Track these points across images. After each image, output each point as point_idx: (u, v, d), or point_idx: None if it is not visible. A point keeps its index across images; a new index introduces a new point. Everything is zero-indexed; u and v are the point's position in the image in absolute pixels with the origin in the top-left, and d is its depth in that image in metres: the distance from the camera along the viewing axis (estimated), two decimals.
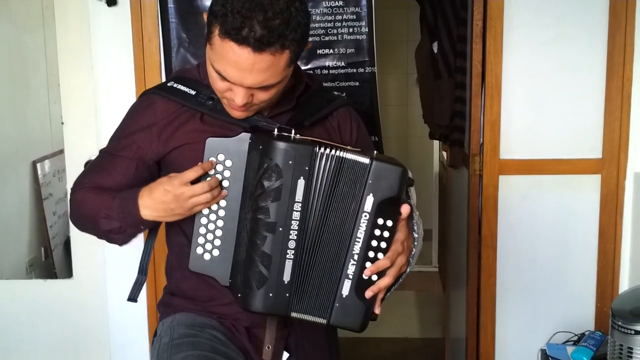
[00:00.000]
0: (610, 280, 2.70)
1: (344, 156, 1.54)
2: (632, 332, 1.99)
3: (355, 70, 2.65)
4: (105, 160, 1.71)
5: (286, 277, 1.56)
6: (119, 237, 1.64)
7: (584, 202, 2.69)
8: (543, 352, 2.62)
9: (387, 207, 1.55)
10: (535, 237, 2.71)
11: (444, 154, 4.29)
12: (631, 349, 2.00)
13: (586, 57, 2.61)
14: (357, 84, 2.65)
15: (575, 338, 2.63)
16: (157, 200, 1.55)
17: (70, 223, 1.77)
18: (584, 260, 2.71)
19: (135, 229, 1.62)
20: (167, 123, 1.66)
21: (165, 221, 1.61)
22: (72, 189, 1.71)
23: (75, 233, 2.76)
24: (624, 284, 2.69)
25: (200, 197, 1.54)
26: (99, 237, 1.67)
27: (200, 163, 1.56)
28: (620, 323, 2.02)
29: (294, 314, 1.59)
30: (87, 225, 1.68)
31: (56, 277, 3.18)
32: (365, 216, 1.55)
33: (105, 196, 1.62)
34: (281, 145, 1.52)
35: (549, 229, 2.70)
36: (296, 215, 1.54)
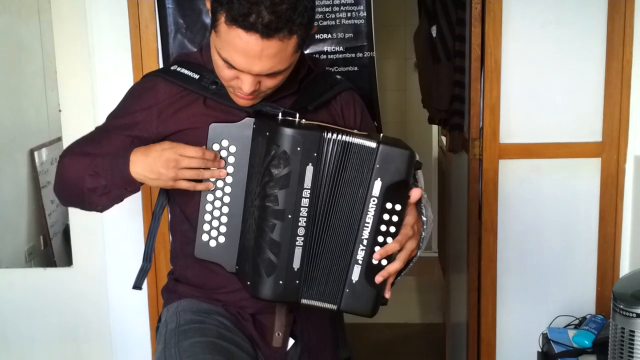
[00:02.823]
0: (610, 264, 2.70)
1: (351, 140, 1.53)
2: (634, 315, 1.99)
3: (353, 55, 2.63)
4: (99, 134, 1.69)
5: (296, 264, 1.56)
6: (102, 199, 1.61)
7: (584, 185, 2.68)
8: (544, 336, 2.62)
9: (395, 191, 1.54)
10: (536, 221, 2.70)
11: (443, 138, 4.28)
12: (633, 332, 2.00)
13: (586, 40, 2.60)
14: (356, 68, 2.63)
15: (577, 322, 2.63)
16: (149, 157, 1.54)
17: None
18: (584, 244, 2.70)
19: (120, 191, 1.59)
20: (168, 104, 1.65)
21: (149, 184, 1.58)
22: (60, 155, 1.68)
23: (74, 221, 2.76)
24: (625, 268, 2.69)
25: (189, 171, 1.53)
26: (82, 202, 1.65)
27: (204, 147, 1.55)
28: (622, 306, 2.01)
29: (304, 301, 1.59)
30: (71, 187, 1.64)
31: (55, 266, 3.16)
32: (374, 201, 1.54)
33: (95, 157, 1.61)
34: (288, 131, 1.51)
35: (549, 213, 2.70)
36: (305, 202, 1.53)
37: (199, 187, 1.57)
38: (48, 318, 2.82)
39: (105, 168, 1.58)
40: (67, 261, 2.86)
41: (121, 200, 1.64)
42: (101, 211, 1.66)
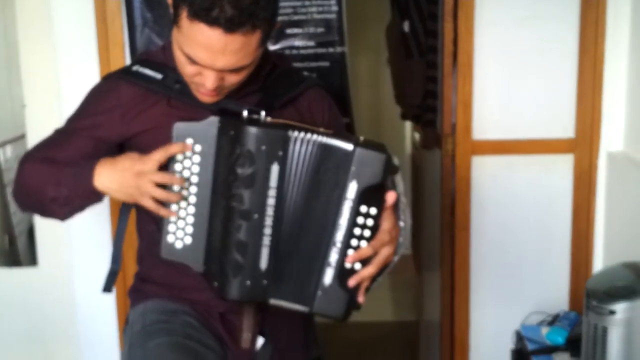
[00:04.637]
0: (584, 261, 2.69)
1: (326, 141, 1.51)
2: (607, 312, 1.98)
3: (325, 50, 2.59)
4: (60, 137, 1.65)
5: (263, 265, 1.53)
6: (63, 209, 1.57)
7: (558, 182, 2.67)
8: (518, 333, 2.60)
9: (371, 195, 1.52)
10: (509, 218, 2.69)
11: (417, 134, 4.27)
12: (605, 328, 1.99)
13: (559, 36, 2.59)
14: (328, 64, 2.60)
15: (550, 319, 2.62)
16: (117, 171, 1.50)
17: None
18: (557, 240, 2.69)
19: (82, 201, 1.56)
20: (131, 106, 1.62)
21: (114, 197, 1.54)
22: (20, 160, 1.63)
23: (39, 219, 2.69)
24: (598, 264, 2.69)
25: (157, 190, 1.49)
26: (43, 211, 1.61)
27: (169, 145, 1.51)
28: (595, 303, 2.01)
29: (272, 301, 1.57)
30: (32, 195, 1.60)
31: (21, 265, 3.09)
32: (348, 203, 1.52)
33: (58, 166, 1.56)
34: (252, 130, 1.49)
35: (522, 209, 2.68)
36: (271, 201, 1.51)
37: (162, 212, 1.53)
38: (13, 319, 2.76)
39: (67, 178, 1.54)
40: (32, 261, 2.80)
41: (83, 210, 1.60)
42: (62, 220, 1.61)
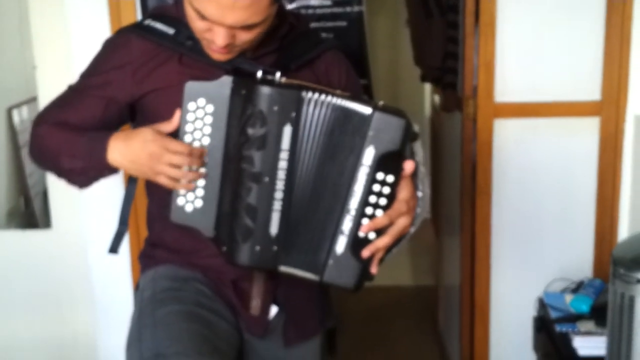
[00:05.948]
0: (608, 227, 2.63)
1: (342, 104, 1.47)
2: (635, 280, 1.92)
3: (342, 10, 2.53)
4: (72, 96, 1.62)
5: (273, 230, 1.50)
6: (80, 178, 1.57)
7: (582, 146, 2.61)
8: (540, 300, 2.56)
9: (388, 162, 1.47)
10: (532, 183, 2.63)
11: (436, 97, 4.20)
12: (633, 297, 1.94)
13: None
14: (345, 24, 2.54)
15: (574, 286, 2.57)
16: (131, 148, 1.48)
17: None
18: (582, 206, 2.64)
19: (98, 173, 1.55)
20: (142, 63, 1.58)
21: (128, 172, 1.53)
22: (34, 122, 1.62)
23: (52, 181, 2.67)
24: (623, 231, 2.63)
25: (172, 169, 1.46)
26: (59, 175, 1.61)
27: (191, 147, 1.48)
28: (622, 271, 1.95)
29: (282, 268, 1.53)
30: (48, 161, 1.60)
31: (38, 227, 3.09)
32: (364, 170, 1.47)
33: (72, 133, 1.55)
34: (265, 90, 1.45)
35: (545, 174, 2.63)
36: (283, 164, 1.47)
37: (178, 186, 1.50)
38: (28, 281, 2.77)
39: (82, 150, 1.52)
40: (49, 223, 2.80)
41: (100, 179, 1.58)
42: (81, 188, 1.60)
